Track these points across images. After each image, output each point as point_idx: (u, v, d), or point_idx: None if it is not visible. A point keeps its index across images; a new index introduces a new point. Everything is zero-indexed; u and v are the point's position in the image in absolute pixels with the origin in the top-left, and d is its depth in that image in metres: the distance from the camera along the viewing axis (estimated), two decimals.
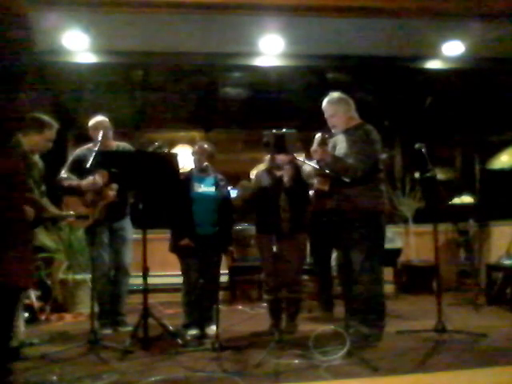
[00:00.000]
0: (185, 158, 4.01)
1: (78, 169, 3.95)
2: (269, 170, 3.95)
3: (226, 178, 4.06)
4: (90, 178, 3.80)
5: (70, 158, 4.19)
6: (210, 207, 3.83)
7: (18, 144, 1.54)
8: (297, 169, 3.88)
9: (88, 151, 3.96)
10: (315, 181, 3.79)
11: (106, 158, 3.64)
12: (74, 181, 4.00)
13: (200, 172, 3.95)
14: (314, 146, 3.56)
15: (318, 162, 3.65)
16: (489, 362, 3.03)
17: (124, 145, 4.28)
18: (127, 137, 5.21)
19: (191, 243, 3.75)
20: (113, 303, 4.14)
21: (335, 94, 3.74)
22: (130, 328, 3.82)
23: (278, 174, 3.85)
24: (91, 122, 4.12)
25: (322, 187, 3.69)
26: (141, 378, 2.81)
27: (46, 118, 3.52)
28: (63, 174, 4.07)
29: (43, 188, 3.54)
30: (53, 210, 3.53)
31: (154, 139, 6.13)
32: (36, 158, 3.53)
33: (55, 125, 3.56)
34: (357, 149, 3.51)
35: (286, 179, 3.78)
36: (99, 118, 4.15)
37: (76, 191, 3.98)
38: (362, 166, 3.47)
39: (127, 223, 4.18)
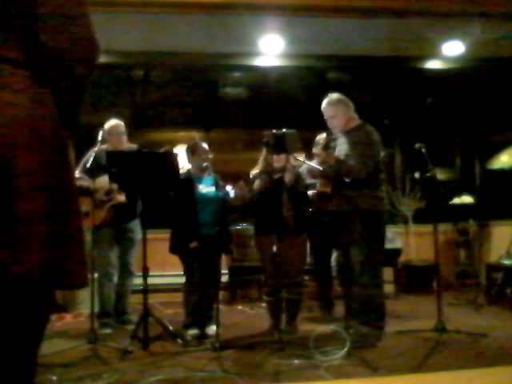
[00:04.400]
0: (184, 158, 4.01)
1: (93, 169, 3.95)
2: (265, 172, 3.91)
3: (226, 178, 4.06)
4: (102, 180, 3.85)
5: (84, 159, 4.17)
6: (213, 208, 3.82)
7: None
8: (297, 172, 3.89)
9: (102, 153, 3.96)
10: (317, 183, 3.80)
11: (106, 159, 3.65)
12: (85, 181, 3.98)
13: (199, 172, 3.94)
14: (318, 149, 3.56)
15: (320, 165, 3.66)
16: (489, 362, 3.03)
17: (135, 147, 4.30)
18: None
19: (199, 245, 3.75)
20: (117, 303, 4.16)
21: (334, 95, 3.74)
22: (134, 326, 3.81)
23: (276, 175, 3.81)
24: (106, 126, 4.15)
25: (324, 189, 3.70)
26: (141, 377, 2.81)
27: None
28: (76, 174, 4.07)
29: None
30: None
31: (154, 139, 6.17)
32: None
33: None
34: (358, 150, 3.51)
35: (287, 180, 3.78)
36: (113, 121, 4.20)
37: (87, 192, 3.99)
38: (364, 167, 3.48)
39: (136, 225, 4.16)
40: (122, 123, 4.23)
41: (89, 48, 1.29)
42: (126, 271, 4.18)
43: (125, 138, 4.22)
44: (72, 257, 1.25)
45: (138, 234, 4.17)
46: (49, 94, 1.25)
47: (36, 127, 1.20)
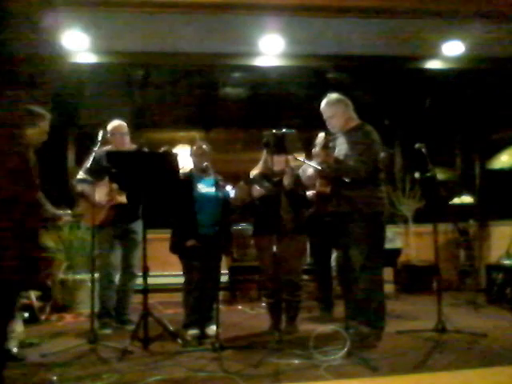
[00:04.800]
0: (185, 157, 4.02)
1: (95, 170, 3.95)
2: (264, 174, 3.91)
3: (226, 178, 4.06)
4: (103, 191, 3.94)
5: (87, 160, 4.15)
6: (212, 207, 3.81)
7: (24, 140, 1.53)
8: (296, 174, 3.88)
9: (103, 153, 3.96)
10: (317, 183, 3.79)
11: (106, 159, 3.65)
12: (87, 188, 3.99)
13: (200, 172, 3.95)
14: (317, 149, 3.56)
15: (320, 165, 3.65)
16: (489, 362, 3.03)
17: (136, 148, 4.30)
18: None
19: (197, 243, 3.74)
20: (118, 303, 4.16)
21: (333, 96, 3.74)
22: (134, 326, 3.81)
23: (275, 178, 3.80)
24: (109, 127, 4.16)
25: (323, 189, 3.70)
26: (141, 377, 2.81)
27: (37, 109, 3.30)
28: (80, 175, 4.07)
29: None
30: (49, 208, 3.52)
31: (154, 139, 6.17)
32: (31, 153, 3.49)
33: (48, 115, 3.41)
34: (358, 150, 3.51)
35: (286, 182, 3.77)
36: (116, 122, 4.21)
37: (84, 195, 4.02)
38: (363, 167, 3.47)
39: (139, 226, 4.12)
40: (125, 124, 4.24)
41: (49, 56, 1.31)
42: (128, 272, 4.17)
43: (127, 138, 4.23)
44: (32, 259, 1.28)
45: (140, 235, 4.17)
46: (15, 97, 1.28)
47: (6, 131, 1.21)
